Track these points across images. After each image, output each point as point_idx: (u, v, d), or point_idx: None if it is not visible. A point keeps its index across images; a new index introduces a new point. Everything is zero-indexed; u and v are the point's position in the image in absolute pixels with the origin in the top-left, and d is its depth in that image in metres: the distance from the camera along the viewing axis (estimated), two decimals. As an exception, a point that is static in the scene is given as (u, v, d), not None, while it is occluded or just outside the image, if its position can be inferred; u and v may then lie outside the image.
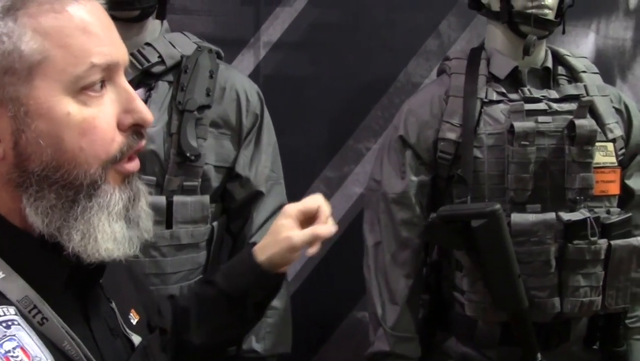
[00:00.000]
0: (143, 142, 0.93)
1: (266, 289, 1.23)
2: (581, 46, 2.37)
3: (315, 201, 1.23)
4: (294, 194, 2.25)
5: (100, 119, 0.86)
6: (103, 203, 0.88)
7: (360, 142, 2.37)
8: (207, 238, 1.71)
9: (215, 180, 1.71)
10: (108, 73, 0.88)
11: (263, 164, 1.77)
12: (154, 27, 1.70)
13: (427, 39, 2.36)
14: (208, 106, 1.68)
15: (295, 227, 1.20)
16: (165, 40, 1.70)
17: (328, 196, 2.36)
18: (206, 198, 1.68)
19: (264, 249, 1.21)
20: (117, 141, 0.89)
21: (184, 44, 1.72)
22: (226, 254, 1.83)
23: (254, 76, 2.27)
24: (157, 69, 1.65)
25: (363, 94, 2.36)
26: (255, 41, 2.33)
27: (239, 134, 1.73)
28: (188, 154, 1.62)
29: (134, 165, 0.92)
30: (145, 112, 0.91)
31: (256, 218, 1.77)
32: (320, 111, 2.35)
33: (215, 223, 1.73)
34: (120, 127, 0.89)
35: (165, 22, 1.75)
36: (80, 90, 0.85)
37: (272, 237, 1.21)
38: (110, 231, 0.89)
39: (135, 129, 0.91)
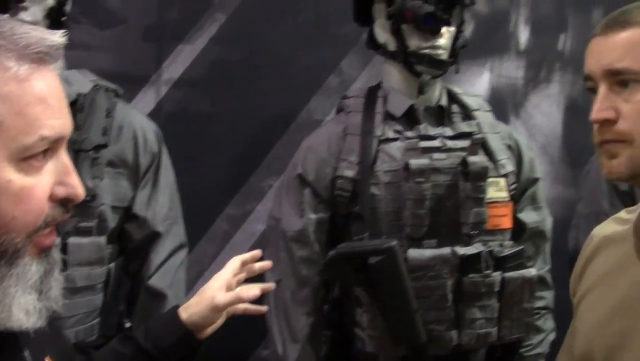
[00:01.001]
0: (67, 216, 0.91)
1: (184, 351, 1.25)
2: (476, 85, 2.46)
3: (234, 262, 1.33)
4: (197, 232, 2.25)
5: (37, 189, 0.84)
6: (21, 273, 0.86)
7: (262, 180, 2.38)
8: (103, 280, 1.67)
9: (112, 220, 1.68)
10: (53, 144, 0.86)
11: (161, 204, 1.75)
12: (49, 64, 1.67)
13: (328, 76, 2.40)
14: (104, 145, 1.66)
15: (222, 289, 1.27)
16: (61, 78, 1.66)
17: (230, 234, 2.38)
18: (102, 239, 1.65)
19: (188, 307, 1.25)
20: (44, 211, 0.87)
21: (80, 82, 1.70)
22: (124, 297, 1.80)
23: (155, 113, 2.25)
24: (52, 107, 1.62)
25: (265, 132, 2.37)
26: (156, 78, 2.32)
27: (136, 173, 1.71)
28: (83, 195, 1.59)
29: (52, 239, 0.90)
30: (79, 188, 0.89)
31: (154, 258, 1.74)
32: (222, 148, 2.35)
33: (112, 265, 1.69)
34: (51, 197, 0.87)
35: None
36: (24, 159, 0.83)
37: (198, 296, 1.26)
38: (23, 302, 0.86)
39: (64, 203, 0.89)
